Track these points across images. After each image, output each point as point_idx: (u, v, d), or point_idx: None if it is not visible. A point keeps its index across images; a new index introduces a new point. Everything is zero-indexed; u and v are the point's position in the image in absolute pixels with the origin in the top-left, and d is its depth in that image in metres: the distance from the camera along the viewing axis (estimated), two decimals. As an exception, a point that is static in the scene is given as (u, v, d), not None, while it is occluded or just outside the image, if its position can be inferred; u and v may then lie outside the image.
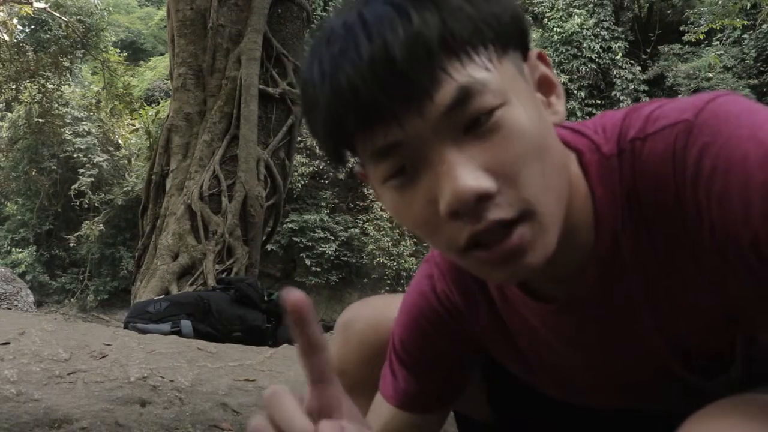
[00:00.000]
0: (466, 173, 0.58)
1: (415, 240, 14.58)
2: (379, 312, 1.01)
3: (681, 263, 0.68)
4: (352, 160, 0.69)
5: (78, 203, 17.17)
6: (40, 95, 14.81)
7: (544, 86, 0.67)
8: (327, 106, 0.61)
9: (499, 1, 0.61)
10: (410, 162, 0.61)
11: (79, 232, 17.05)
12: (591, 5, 15.90)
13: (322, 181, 16.00)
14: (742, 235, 0.60)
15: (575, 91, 15.77)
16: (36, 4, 13.68)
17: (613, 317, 0.74)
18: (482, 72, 0.58)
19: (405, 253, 14.50)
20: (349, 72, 0.58)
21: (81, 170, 16.84)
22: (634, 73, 15.70)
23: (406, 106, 0.58)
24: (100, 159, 16.96)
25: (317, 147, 14.28)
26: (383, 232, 14.94)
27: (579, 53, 15.78)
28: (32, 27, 16.75)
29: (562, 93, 0.68)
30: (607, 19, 15.93)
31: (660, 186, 0.65)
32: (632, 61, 15.89)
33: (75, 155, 16.89)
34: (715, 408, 0.64)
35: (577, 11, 15.80)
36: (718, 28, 13.29)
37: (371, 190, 0.84)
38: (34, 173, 17.69)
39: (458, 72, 0.57)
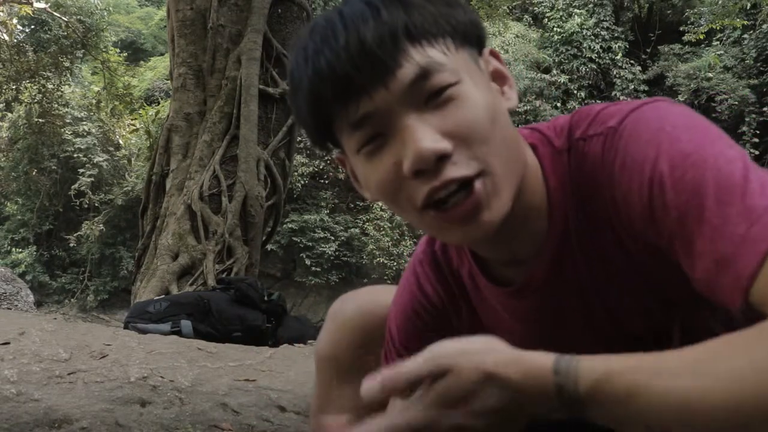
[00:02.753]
0: (427, 136, 0.68)
1: (415, 240, 14.57)
2: (367, 300, 1.08)
3: (614, 254, 0.76)
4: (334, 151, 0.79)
5: (78, 203, 17.15)
6: (40, 95, 14.78)
7: (498, 78, 0.78)
8: (309, 85, 0.71)
9: (458, 7, 0.74)
10: (380, 130, 0.70)
11: (79, 232, 17.03)
12: (591, 5, 15.88)
13: (322, 181, 15.99)
14: (647, 230, 0.69)
15: (575, 91, 15.76)
16: (36, 4, 13.67)
17: (565, 298, 0.82)
18: (440, 55, 0.70)
19: (405, 253, 14.48)
20: (328, 55, 0.69)
21: (81, 170, 16.82)
22: (634, 73, 15.69)
23: (375, 81, 0.68)
24: (100, 159, 16.94)
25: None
26: (383, 232, 14.93)
27: (579, 53, 15.76)
28: (32, 27, 16.76)
29: (514, 84, 0.79)
30: (607, 19, 15.92)
31: (596, 185, 0.75)
32: (632, 61, 15.87)
33: (75, 155, 16.88)
34: None
35: (577, 11, 15.79)
36: (718, 28, 13.28)
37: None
38: (34, 173, 17.67)
39: (419, 54, 0.69)
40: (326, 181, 16.01)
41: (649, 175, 0.67)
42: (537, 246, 0.80)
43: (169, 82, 8.91)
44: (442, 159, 0.68)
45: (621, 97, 15.41)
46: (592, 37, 15.69)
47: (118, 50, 16.71)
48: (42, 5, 13.95)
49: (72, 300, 17.56)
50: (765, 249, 0.59)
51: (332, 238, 15.10)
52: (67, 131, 16.46)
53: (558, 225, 0.78)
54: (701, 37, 13.30)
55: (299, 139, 8.10)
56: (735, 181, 0.63)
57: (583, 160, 0.75)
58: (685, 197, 0.65)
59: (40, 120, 15.58)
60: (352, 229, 15.39)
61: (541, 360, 0.61)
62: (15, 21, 14.14)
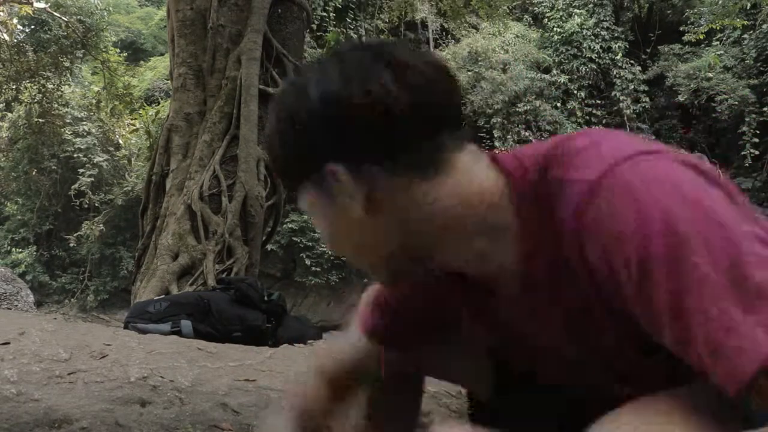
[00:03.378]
0: None
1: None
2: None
3: (579, 302, 0.78)
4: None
5: (78, 203, 17.16)
6: (40, 95, 14.78)
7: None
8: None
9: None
10: None
11: (79, 232, 17.04)
12: (591, 5, 15.89)
13: (322, 181, 15.97)
14: (626, 303, 0.69)
15: (575, 91, 15.77)
16: (36, 4, 13.67)
17: (541, 312, 0.85)
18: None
19: (405, 253, 14.49)
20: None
21: (81, 170, 16.84)
22: (634, 73, 15.70)
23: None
24: (100, 159, 16.96)
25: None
26: (383, 232, 14.92)
27: (579, 53, 15.77)
28: (32, 27, 16.73)
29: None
30: (607, 19, 15.92)
31: (568, 233, 0.74)
32: (632, 61, 15.88)
33: (75, 155, 16.89)
34: (624, 410, 0.72)
35: (577, 11, 15.79)
36: (718, 28, 13.30)
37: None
38: (34, 173, 17.69)
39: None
40: (326, 181, 16.00)
41: (640, 256, 0.65)
42: (508, 273, 0.83)
43: (169, 82, 8.91)
44: None
45: (621, 97, 15.43)
46: (592, 37, 15.70)
47: (118, 50, 16.70)
48: (42, 5, 13.94)
49: (72, 300, 17.57)
50: (765, 354, 0.59)
51: (332, 238, 15.09)
52: (67, 131, 16.48)
53: (523, 256, 0.81)
54: (701, 37, 13.32)
55: (299, 139, 8.10)
56: (736, 273, 0.62)
57: (556, 205, 0.75)
58: (679, 285, 0.63)
59: (40, 120, 15.58)
60: (353, 229, 15.39)
61: None
62: (15, 21, 14.14)
